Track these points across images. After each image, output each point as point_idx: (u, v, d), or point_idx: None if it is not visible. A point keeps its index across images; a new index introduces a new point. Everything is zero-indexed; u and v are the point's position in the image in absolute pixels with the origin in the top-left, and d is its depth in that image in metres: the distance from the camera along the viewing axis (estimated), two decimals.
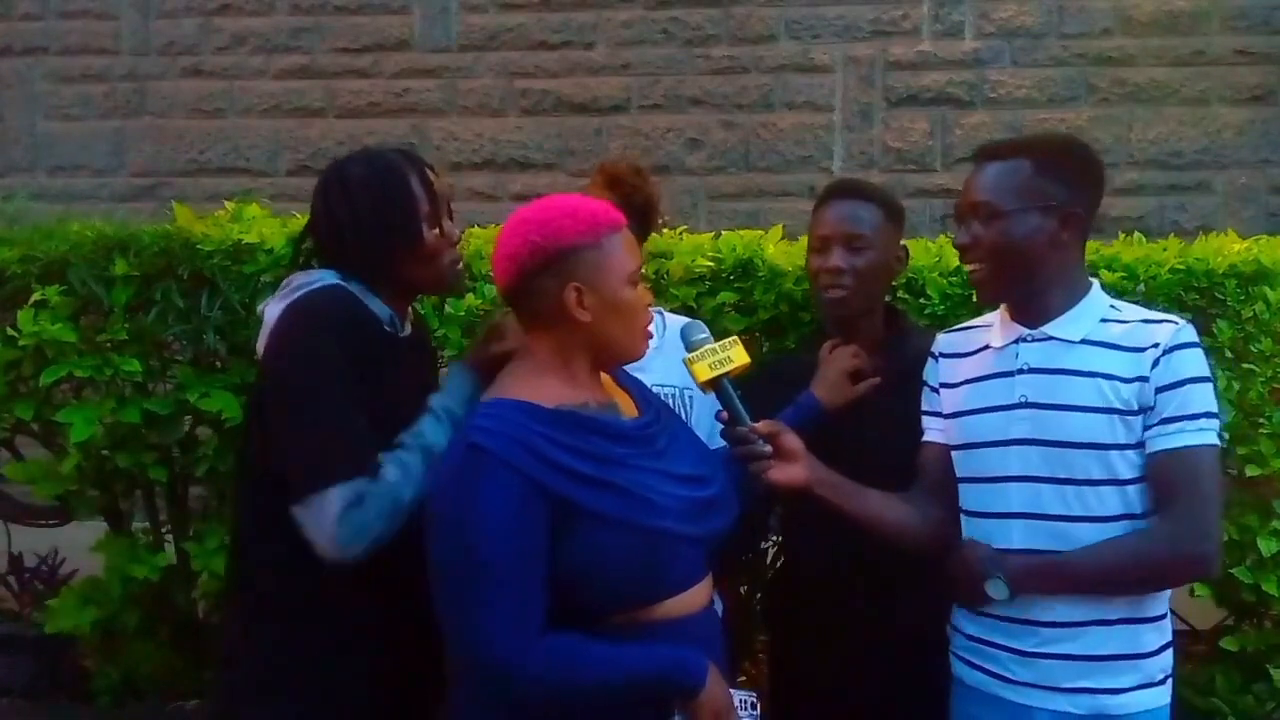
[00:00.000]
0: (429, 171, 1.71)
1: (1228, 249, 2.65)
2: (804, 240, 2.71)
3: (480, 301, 2.52)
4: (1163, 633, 1.65)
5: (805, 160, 5.12)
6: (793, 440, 1.62)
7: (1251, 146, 4.96)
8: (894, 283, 2.32)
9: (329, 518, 1.49)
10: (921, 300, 2.54)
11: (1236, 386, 2.53)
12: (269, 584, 1.64)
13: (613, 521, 1.40)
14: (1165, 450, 1.57)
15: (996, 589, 1.61)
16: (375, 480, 1.53)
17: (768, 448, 1.59)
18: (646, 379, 1.93)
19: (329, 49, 5.30)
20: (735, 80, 5.14)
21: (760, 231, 2.75)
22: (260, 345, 1.66)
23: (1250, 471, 2.56)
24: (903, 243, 2.11)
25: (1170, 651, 1.65)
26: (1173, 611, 1.63)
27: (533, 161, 5.23)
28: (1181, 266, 2.57)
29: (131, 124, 5.39)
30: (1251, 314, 2.54)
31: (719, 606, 2.01)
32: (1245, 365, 2.55)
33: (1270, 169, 4.97)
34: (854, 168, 5.03)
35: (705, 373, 1.59)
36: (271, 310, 1.66)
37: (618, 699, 1.39)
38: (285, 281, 1.70)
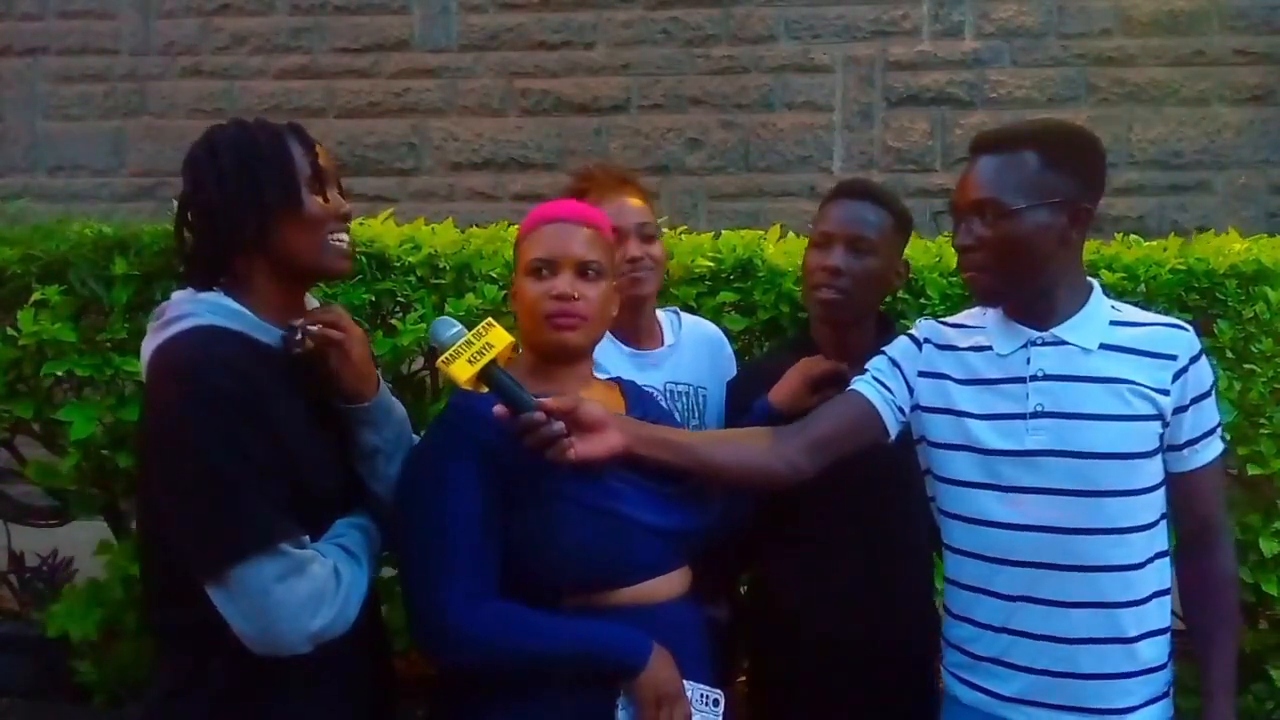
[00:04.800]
0: (315, 143, 1.52)
1: (1228, 249, 2.64)
2: (804, 240, 2.71)
3: (481, 301, 2.52)
4: (1169, 643, 1.60)
5: (805, 160, 5.12)
6: (593, 409, 1.43)
7: (1251, 146, 4.97)
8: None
9: (255, 596, 1.30)
10: (921, 300, 2.54)
11: (1238, 387, 2.53)
12: (194, 651, 1.41)
13: (569, 499, 1.45)
14: (1191, 471, 1.59)
15: None
16: (309, 551, 1.37)
17: (558, 425, 1.39)
18: (659, 376, 1.94)
19: (329, 49, 5.31)
20: (735, 80, 5.14)
21: (760, 231, 2.75)
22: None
23: (1251, 471, 2.56)
24: (905, 257, 2.01)
25: (1173, 661, 1.62)
26: (1172, 612, 1.62)
27: (533, 161, 5.23)
28: (1182, 267, 2.56)
29: (131, 124, 5.39)
30: (1252, 314, 2.54)
31: (725, 610, 2.00)
32: (1246, 365, 2.55)
33: (1270, 169, 4.97)
34: (854, 168, 5.03)
35: (466, 370, 1.41)
36: (146, 345, 1.44)
37: (555, 670, 1.42)
38: (159, 309, 1.47)
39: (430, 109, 5.28)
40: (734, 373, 2.16)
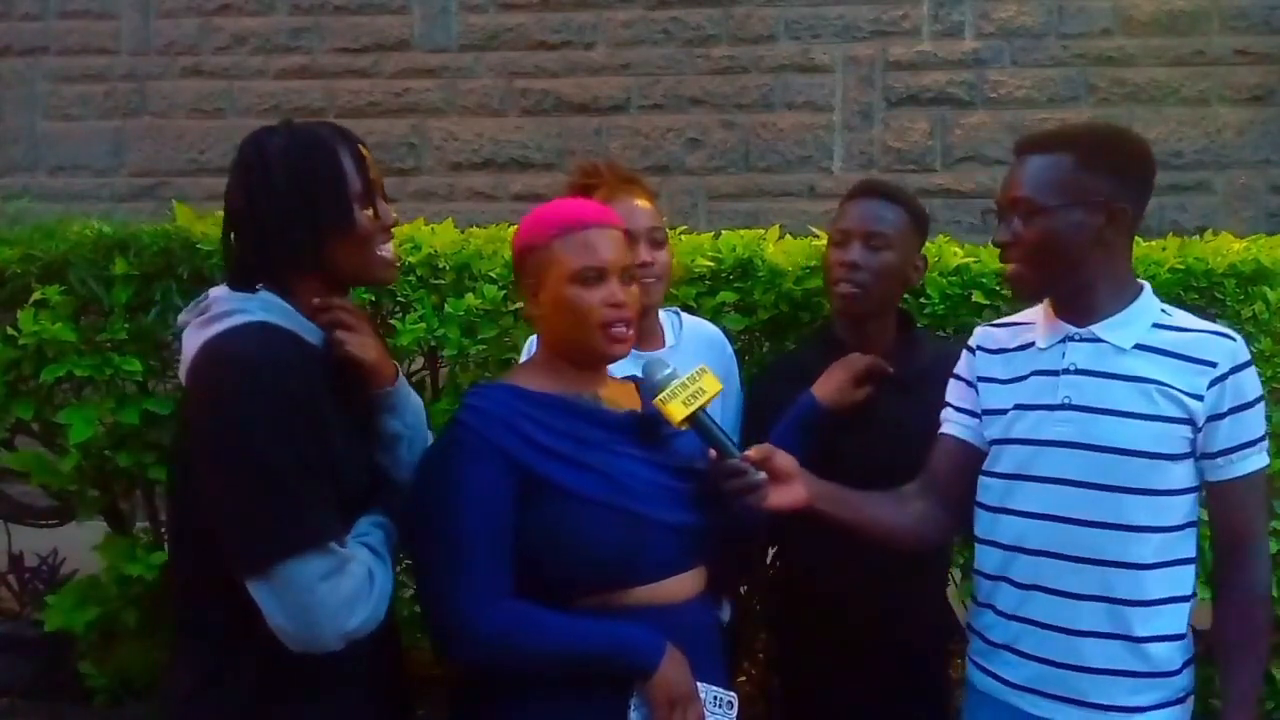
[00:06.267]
0: (361, 149, 1.52)
1: (1227, 249, 2.64)
2: (804, 240, 2.72)
3: (480, 301, 2.52)
4: (1185, 650, 1.60)
5: (805, 160, 5.12)
6: (785, 460, 1.54)
7: (1251, 146, 4.97)
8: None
9: (301, 592, 1.30)
10: (922, 300, 2.53)
11: None
12: (221, 650, 1.41)
13: (585, 499, 1.45)
14: (1226, 481, 1.57)
15: None
16: (350, 551, 1.38)
17: (762, 475, 1.49)
18: None
19: (329, 49, 5.31)
20: (735, 80, 5.14)
21: (760, 231, 2.75)
22: (182, 374, 1.44)
23: None
24: (922, 253, 2.08)
25: (1192, 669, 1.62)
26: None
27: (533, 161, 5.23)
28: (1181, 266, 2.56)
29: (131, 124, 5.39)
30: (1251, 314, 2.53)
31: (726, 612, 2.02)
32: None
33: (1270, 169, 4.97)
34: (854, 168, 5.03)
35: (681, 411, 1.51)
36: (190, 339, 1.43)
37: (567, 670, 1.42)
38: (203, 302, 1.46)
39: (430, 109, 5.28)
40: (736, 373, 2.18)
